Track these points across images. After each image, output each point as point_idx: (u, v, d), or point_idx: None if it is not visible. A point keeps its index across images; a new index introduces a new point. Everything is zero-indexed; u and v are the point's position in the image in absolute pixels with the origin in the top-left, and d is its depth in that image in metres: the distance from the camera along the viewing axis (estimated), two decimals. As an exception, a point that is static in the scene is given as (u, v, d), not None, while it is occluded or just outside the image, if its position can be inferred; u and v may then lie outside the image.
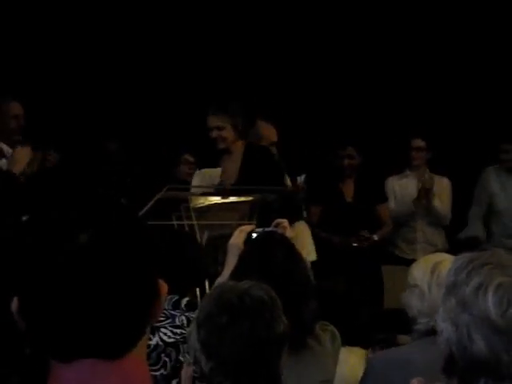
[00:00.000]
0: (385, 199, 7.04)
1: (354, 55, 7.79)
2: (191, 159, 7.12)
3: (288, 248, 2.89)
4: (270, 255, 2.81)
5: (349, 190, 6.93)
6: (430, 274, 2.74)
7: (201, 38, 7.46)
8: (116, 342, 1.30)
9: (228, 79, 7.42)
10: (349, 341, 3.15)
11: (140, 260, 1.30)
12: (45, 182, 5.35)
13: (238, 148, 5.69)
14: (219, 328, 2.21)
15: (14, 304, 1.31)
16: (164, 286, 1.36)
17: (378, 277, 6.54)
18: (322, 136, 7.52)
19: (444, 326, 1.76)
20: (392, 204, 7.13)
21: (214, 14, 7.47)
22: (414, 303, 2.76)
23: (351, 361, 3.09)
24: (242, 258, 2.92)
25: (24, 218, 4.76)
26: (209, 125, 5.61)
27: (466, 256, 1.80)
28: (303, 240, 5.73)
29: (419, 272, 2.79)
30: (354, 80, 7.80)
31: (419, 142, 7.12)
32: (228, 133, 5.61)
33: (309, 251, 5.69)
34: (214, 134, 5.59)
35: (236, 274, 2.77)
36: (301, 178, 5.86)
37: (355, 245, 6.54)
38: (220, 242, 5.32)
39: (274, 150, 6.09)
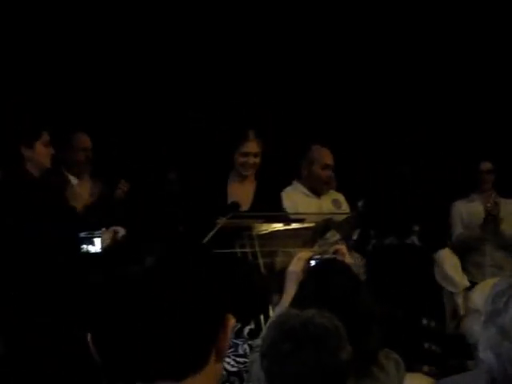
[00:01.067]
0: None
1: (409, 77, 7.76)
2: None
3: (348, 276, 2.85)
4: (329, 283, 2.77)
5: None
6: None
7: (207, 47, 7.42)
8: (180, 363, 1.34)
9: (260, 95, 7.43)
10: (411, 366, 3.10)
11: (201, 284, 1.37)
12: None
13: (252, 175, 5.53)
14: (282, 356, 2.19)
15: (89, 338, 1.37)
16: (231, 319, 1.41)
17: (439, 302, 6.44)
18: (385, 160, 7.46)
19: (485, 355, 1.73)
20: (459, 228, 7.03)
21: (217, 16, 7.42)
22: (475, 329, 2.71)
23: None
24: (302, 287, 2.90)
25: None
26: (248, 150, 5.39)
27: (504, 282, 1.77)
28: (452, 266, 5.61)
29: (480, 297, 2.74)
30: (419, 104, 7.76)
31: (488, 165, 7.05)
32: (259, 159, 5.45)
33: (461, 277, 5.55)
34: (251, 160, 5.40)
35: (295, 303, 2.75)
36: (360, 203, 5.78)
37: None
38: (284, 269, 5.34)
39: (327, 173, 6.01)
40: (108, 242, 3.15)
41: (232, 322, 1.41)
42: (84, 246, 3.22)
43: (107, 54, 7.14)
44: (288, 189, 6.04)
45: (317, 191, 6.06)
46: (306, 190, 6.03)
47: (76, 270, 4.54)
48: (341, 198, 6.03)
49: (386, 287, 5.71)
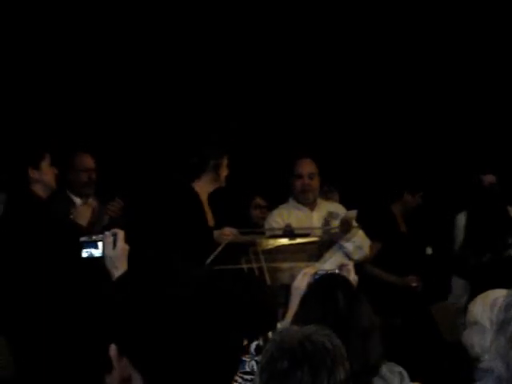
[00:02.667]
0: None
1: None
2: (263, 203, 6.87)
3: (350, 291, 2.87)
4: (331, 298, 2.79)
5: (400, 220, 6.75)
6: (489, 309, 2.71)
7: (203, 60, 7.44)
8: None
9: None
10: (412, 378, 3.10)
11: (233, 307, 1.48)
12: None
13: None
14: (279, 374, 2.17)
15: (112, 350, 1.41)
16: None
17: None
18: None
19: (494, 364, 1.75)
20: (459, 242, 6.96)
21: (213, 21, 7.44)
22: (475, 340, 2.72)
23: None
24: (304, 301, 2.92)
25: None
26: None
27: None
28: None
29: (478, 308, 2.75)
30: (417, 115, 7.79)
31: (491, 178, 6.96)
32: None
33: None
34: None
35: (298, 317, 2.77)
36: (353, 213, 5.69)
37: (414, 285, 6.44)
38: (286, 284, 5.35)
39: (299, 182, 5.93)
40: (111, 245, 3.19)
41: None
42: (87, 250, 3.25)
43: (102, 69, 7.14)
44: (281, 206, 6.01)
45: (307, 204, 5.94)
46: (297, 205, 5.94)
47: (82, 278, 4.57)
48: (339, 208, 5.94)
49: None
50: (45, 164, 5.03)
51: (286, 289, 5.18)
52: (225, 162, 5.46)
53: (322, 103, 7.71)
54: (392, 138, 7.75)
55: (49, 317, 4.74)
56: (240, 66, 7.51)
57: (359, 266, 5.85)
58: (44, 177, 5.01)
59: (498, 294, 2.77)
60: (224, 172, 5.46)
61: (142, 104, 7.27)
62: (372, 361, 2.67)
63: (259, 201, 6.88)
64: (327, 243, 5.48)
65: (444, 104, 7.80)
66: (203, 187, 5.45)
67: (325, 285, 2.95)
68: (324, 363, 2.16)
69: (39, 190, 5.00)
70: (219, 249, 4.96)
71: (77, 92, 7.02)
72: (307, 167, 5.93)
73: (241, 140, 7.25)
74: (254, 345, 3.32)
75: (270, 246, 5.18)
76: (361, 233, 5.80)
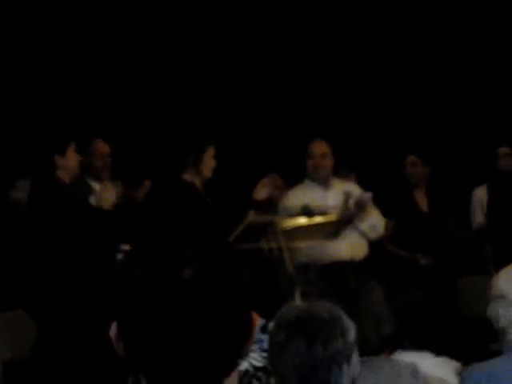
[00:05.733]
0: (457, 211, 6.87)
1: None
2: (281, 184, 6.65)
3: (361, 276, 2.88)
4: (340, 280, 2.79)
5: (422, 200, 6.76)
6: (516, 282, 2.68)
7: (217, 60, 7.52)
8: (210, 373, 1.33)
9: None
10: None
11: (236, 295, 1.35)
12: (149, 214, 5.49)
13: None
14: (278, 347, 2.25)
15: (113, 329, 1.35)
16: (257, 319, 1.40)
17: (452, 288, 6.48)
18: (391, 148, 7.48)
19: None
20: (480, 217, 6.87)
21: (212, 20, 7.54)
22: (501, 313, 2.70)
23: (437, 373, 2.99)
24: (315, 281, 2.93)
25: (125, 249, 4.93)
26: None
27: None
28: None
29: (505, 282, 2.73)
30: (425, 91, 7.78)
31: (506, 150, 6.89)
32: None
33: None
34: None
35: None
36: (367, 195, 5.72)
37: (423, 262, 6.46)
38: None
39: (311, 161, 5.94)
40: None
41: (258, 320, 1.43)
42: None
43: (117, 61, 7.32)
44: (296, 186, 6.02)
45: (321, 183, 5.93)
46: (312, 184, 5.94)
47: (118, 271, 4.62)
48: (354, 188, 5.94)
49: None
50: (70, 151, 5.19)
51: (304, 267, 5.23)
52: (207, 154, 5.45)
53: (340, 90, 7.75)
54: (408, 114, 7.73)
55: (67, 295, 4.92)
56: (254, 51, 7.57)
57: (377, 242, 5.97)
58: (68, 163, 5.21)
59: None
60: (208, 164, 5.45)
61: (142, 100, 7.40)
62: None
63: (278, 182, 6.87)
64: (345, 222, 5.48)
65: (459, 78, 7.79)
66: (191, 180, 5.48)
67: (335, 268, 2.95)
68: (319, 333, 2.20)
69: (64, 176, 5.21)
70: (240, 229, 4.97)
71: (97, 88, 7.17)
72: (319, 147, 5.97)
73: (259, 125, 7.30)
74: (272, 323, 3.32)
75: (289, 227, 5.19)
76: (376, 212, 5.84)
